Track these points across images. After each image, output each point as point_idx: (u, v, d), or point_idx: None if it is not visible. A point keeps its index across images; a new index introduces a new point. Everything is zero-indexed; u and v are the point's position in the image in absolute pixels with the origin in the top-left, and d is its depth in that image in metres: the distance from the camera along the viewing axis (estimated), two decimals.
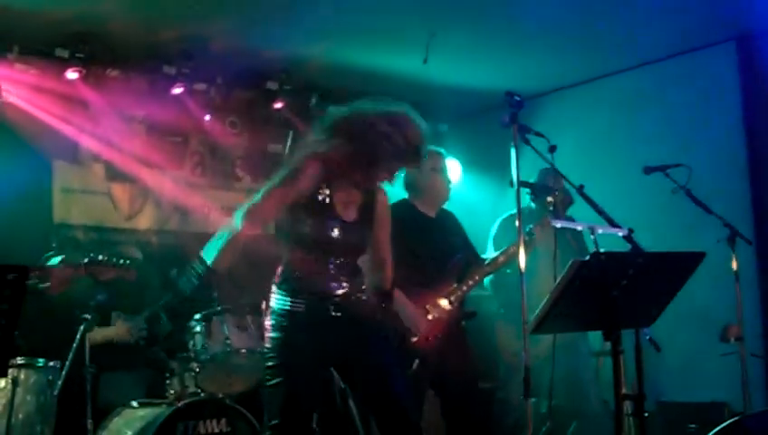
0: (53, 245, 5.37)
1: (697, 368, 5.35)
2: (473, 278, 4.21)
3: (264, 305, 3.47)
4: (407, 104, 3.19)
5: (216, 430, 4.34)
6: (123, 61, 5.65)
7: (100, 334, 4.65)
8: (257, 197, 3.09)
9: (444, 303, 4.12)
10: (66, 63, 5.37)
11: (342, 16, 5.10)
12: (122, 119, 5.84)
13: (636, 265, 2.60)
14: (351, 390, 3.51)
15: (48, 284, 3.62)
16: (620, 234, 3.17)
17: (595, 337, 4.77)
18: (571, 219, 4.58)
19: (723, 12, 5.16)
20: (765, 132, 5.43)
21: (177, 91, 5.78)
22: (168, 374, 4.57)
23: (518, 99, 3.31)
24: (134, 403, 4.46)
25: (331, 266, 3.15)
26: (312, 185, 3.11)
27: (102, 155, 5.82)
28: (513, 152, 3.28)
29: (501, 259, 4.26)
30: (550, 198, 4.44)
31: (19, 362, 4.08)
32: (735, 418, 4.11)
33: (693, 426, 4.96)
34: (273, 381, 3.07)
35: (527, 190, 4.94)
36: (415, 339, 3.98)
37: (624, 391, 2.72)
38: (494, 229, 4.87)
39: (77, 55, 5.35)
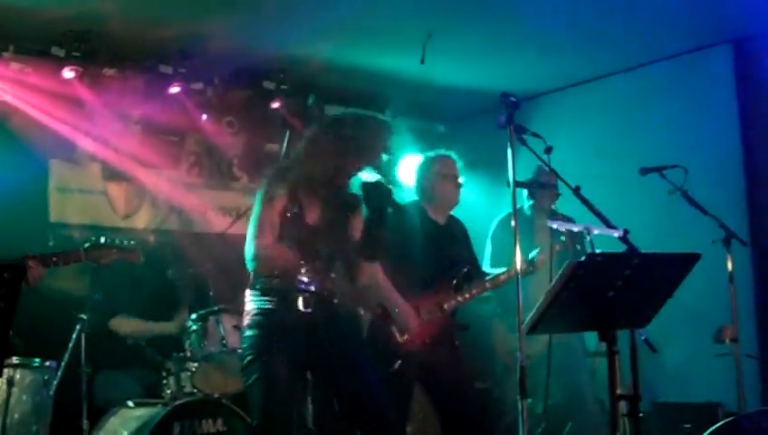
0: (50, 244, 5.37)
1: (692, 369, 5.37)
2: (470, 292, 4.21)
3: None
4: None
5: (212, 430, 4.35)
6: (120, 60, 5.62)
7: (157, 328, 4.80)
8: (254, 235, 3.25)
9: (437, 308, 4.11)
10: (62, 62, 5.35)
11: (340, 16, 5.10)
12: (119, 118, 5.81)
13: (631, 265, 2.60)
14: (324, 388, 3.56)
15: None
16: (616, 235, 3.17)
17: (590, 338, 4.79)
18: (569, 219, 4.60)
19: (719, 14, 5.17)
20: (761, 134, 5.45)
21: (174, 90, 5.77)
22: (164, 374, 4.56)
23: (513, 99, 3.31)
24: (130, 403, 4.45)
25: (302, 264, 3.26)
26: (283, 207, 3.28)
27: (99, 154, 5.79)
28: (509, 153, 3.28)
29: (503, 278, 4.25)
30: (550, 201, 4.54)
31: (15, 361, 4.08)
32: (731, 418, 4.14)
33: (688, 426, 4.98)
34: (251, 380, 3.18)
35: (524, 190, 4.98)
36: (402, 338, 3.96)
37: (619, 391, 2.73)
38: (492, 228, 4.90)
39: (73, 54, 5.33)
